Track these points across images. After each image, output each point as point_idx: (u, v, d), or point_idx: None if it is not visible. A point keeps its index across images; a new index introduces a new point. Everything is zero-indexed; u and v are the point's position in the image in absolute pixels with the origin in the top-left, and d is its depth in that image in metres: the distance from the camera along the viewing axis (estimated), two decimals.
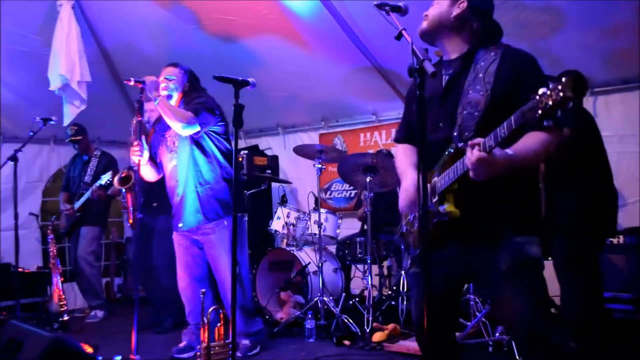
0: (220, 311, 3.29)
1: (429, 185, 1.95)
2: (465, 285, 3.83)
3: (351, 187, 6.10)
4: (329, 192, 6.50)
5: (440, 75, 2.03)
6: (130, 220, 4.51)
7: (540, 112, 1.48)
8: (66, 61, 4.41)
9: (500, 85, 1.84)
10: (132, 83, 3.27)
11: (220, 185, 3.64)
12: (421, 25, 2.05)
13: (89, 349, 2.62)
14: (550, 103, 1.45)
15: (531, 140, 1.78)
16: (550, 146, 1.79)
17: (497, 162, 1.68)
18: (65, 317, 4.79)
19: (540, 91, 1.48)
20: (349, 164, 4.60)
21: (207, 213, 3.61)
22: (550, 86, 1.46)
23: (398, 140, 2.34)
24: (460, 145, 1.80)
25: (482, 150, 1.66)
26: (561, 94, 1.43)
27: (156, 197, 4.62)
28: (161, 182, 4.56)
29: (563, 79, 1.44)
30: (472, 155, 1.68)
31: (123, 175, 4.63)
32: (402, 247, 4.70)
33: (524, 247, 1.83)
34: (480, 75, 1.88)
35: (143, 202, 4.61)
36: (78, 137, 5.32)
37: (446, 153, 1.90)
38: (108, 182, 5.04)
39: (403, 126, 2.32)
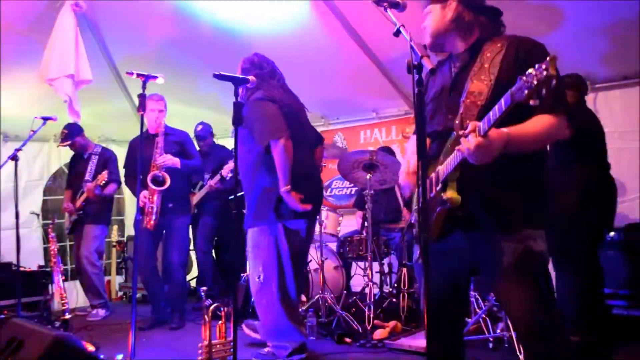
0: (222, 309, 3.28)
1: (434, 174, 1.97)
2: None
3: (352, 185, 6.11)
4: (329, 190, 6.50)
5: (449, 69, 2.06)
6: (152, 222, 4.52)
7: (526, 91, 1.50)
8: (57, 60, 4.35)
9: (504, 73, 1.84)
10: (134, 76, 3.25)
11: (256, 192, 3.45)
12: (426, 40, 2.08)
13: (90, 348, 2.62)
14: (535, 82, 1.46)
15: (532, 123, 1.78)
16: (554, 129, 1.79)
17: (492, 144, 1.68)
18: (67, 316, 4.79)
19: (527, 71, 1.50)
20: (349, 161, 4.60)
21: (246, 220, 3.54)
22: (535, 66, 1.47)
23: (414, 132, 2.35)
24: (460, 132, 1.81)
25: (478, 133, 1.68)
26: (545, 72, 1.44)
27: (172, 198, 4.65)
28: (177, 183, 4.61)
29: (547, 58, 1.45)
30: (469, 140, 1.69)
31: (161, 177, 4.52)
32: (400, 241, 4.71)
33: (528, 242, 1.83)
34: (486, 65, 1.89)
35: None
36: (67, 142, 5.31)
37: (448, 141, 1.91)
38: (104, 182, 5.04)
39: None
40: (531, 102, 1.50)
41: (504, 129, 1.71)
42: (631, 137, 4.43)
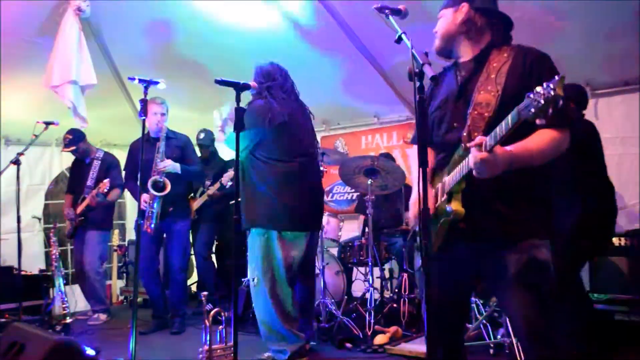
0: (223, 314, 3.28)
1: (440, 184, 1.97)
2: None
3: (353, 190, 6.11)
4: (330, 195, 6.50)
5: (455, 77, 2.05)
6: (151, 227, 4.53)
7: (533, 110, 1.50)
8: (60, 67, 4.35)
9: (511, 85, 1.84)
10: (135, 81, 3.25)
11: (248, 193, 3.49)
12: (434, 44, 2.08)
13: (91, 352, 2.62)
14: (542, 101, 1.46)
15: (537, 139, 1.78)
16: (558, 144, 1.79)
17: (497, 160, 1.69)
18: (68, 320, 4.80)
19: (535, 89, 1.50)
20: (350, 166, 4.61)
21: (242, 221, 3.50)
22: (544, 85, 1.47)
23: (414, 141, 2.35)
24: (468, 145, 1.81)
25: (484, 149, 1.68)
26: (552, 92, 1.45)
27: (172, 202, 4.67)
28: (177, 187, 4.63)
29: (555, 77, 1.46)
30: (474, 155, 1.70)
31: (162, 182, 4.53)
32: (403, 249, 4.70)
33: (533, 251, 1.83)
34: (493, 75, 1.89)
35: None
36: (72, 147, 5.29)
37: (456, 153, 1.92)
38: (106, 189, 5.04)
39: None
40: (537, 122, 1.51)
41: (509, 148, 1.72)
42: (632, 142, 4.44)
